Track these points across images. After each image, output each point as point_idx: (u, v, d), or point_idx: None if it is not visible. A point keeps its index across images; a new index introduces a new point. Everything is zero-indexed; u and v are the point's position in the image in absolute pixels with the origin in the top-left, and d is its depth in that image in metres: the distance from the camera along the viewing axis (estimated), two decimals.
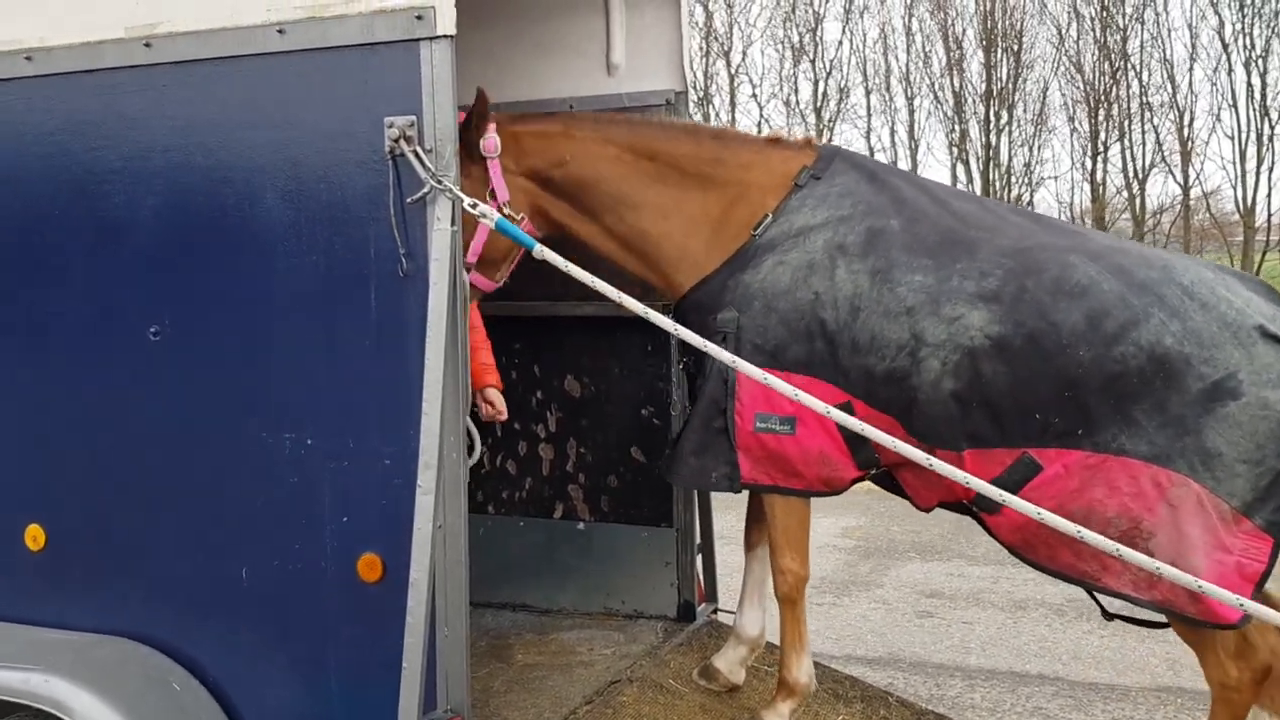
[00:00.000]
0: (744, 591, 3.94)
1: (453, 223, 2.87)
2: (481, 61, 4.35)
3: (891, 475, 3.45)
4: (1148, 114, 21.08)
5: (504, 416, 4.06)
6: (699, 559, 4.56)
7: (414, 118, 2.88)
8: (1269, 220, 20.75)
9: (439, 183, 2.85)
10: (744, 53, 20.94)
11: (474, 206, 2.89)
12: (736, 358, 2.85)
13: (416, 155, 2.85)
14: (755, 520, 3.90)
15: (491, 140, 3.48)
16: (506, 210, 3.46)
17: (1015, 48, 21.03)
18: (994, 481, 3.05)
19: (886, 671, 5.66)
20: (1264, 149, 19.67)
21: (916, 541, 8.33)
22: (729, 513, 9.27)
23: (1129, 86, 21.10)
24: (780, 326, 3.27)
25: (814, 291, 3.26)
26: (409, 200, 2.90)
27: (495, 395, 4.06)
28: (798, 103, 21.56)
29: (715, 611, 4.59)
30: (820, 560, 7.88)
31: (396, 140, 2.87)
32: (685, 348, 3.43)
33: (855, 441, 3.25)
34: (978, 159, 21.17)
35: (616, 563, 4.48)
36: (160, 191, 3.19)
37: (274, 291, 3.10)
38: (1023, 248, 3.21)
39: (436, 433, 2.82)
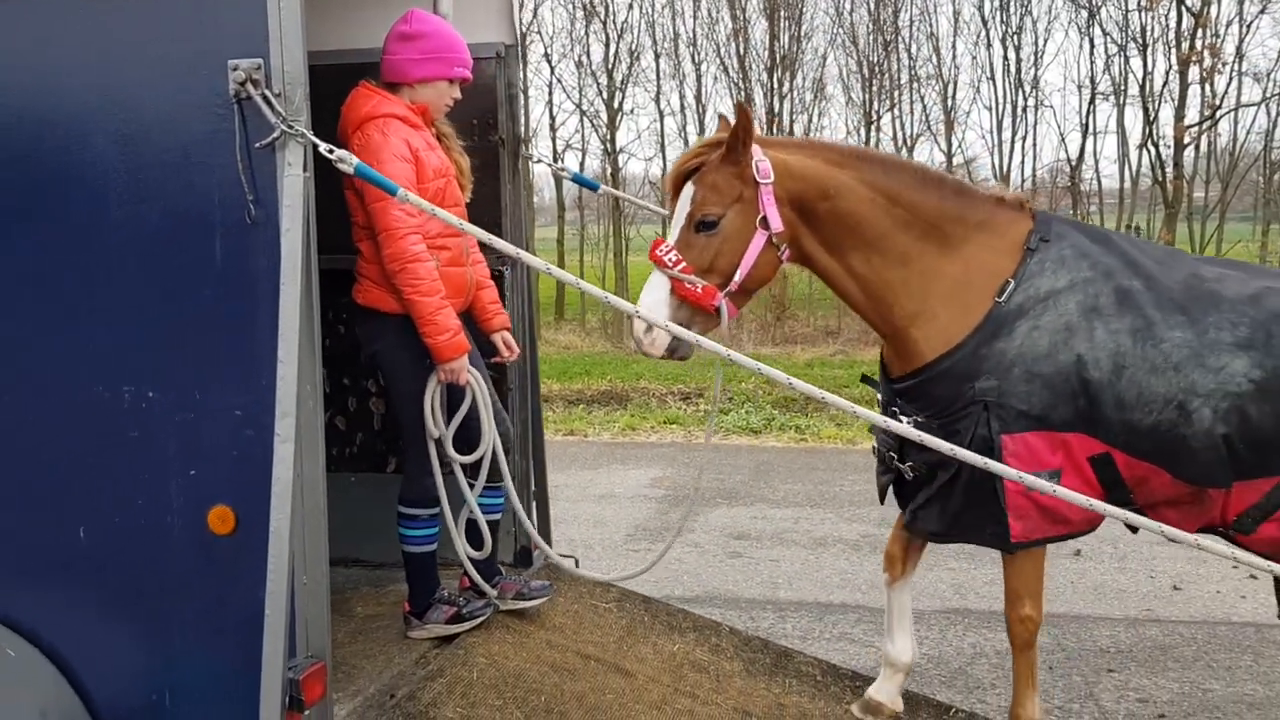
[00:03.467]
0: (891, 620, 3.99)
1: (305, 168, 2.84)
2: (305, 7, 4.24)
3: (1143, 512, 3.57)
4: (916, 85, 22.27)
5: (516, 355, 4.12)
6: (534, 507, 4.66)
7: (260, 61, 2.82)
8: (1022, 186, 22.37)
9: (290, 127, 2.81)
10: (535, 11, 20.77)
11: (330, 151, 2.87)
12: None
13: (265, 99, 2.80)
14: (902, 548, 3.96)
15: (766, 165, 3.40)
16: (774, 240, 3.43)
17: (796, 17, 21.75)
18: (1252, 507, 3.43)
19: (704, 608, 5.92)
20: (1018, 119, 21.15)
21: (722, 488, 8.70)
22: (573, 465, 9.38)
23: (899, 59, 22.21)
24: (1045, 390, 3.37)
25: (1075, 354, 3.38)
26: (257, 145, 2.84)
27: (509, 337, 4.06)
28: (590, 64, 21.60)
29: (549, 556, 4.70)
30: (633, 510, 8.14)
31: (242, 83, 2.81)
32: (920, 406, 3.48)
33: (1110, 485, 3.43)
34: (761, 125, 21.83)
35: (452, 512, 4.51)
36: None
37: (108, 239, 2.98)
38: (1252, 295, 3.47)
39: (294, 381, 2.80)
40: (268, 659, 2.78)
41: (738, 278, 3.40)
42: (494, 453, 3.81)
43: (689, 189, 3.43)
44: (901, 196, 3.52)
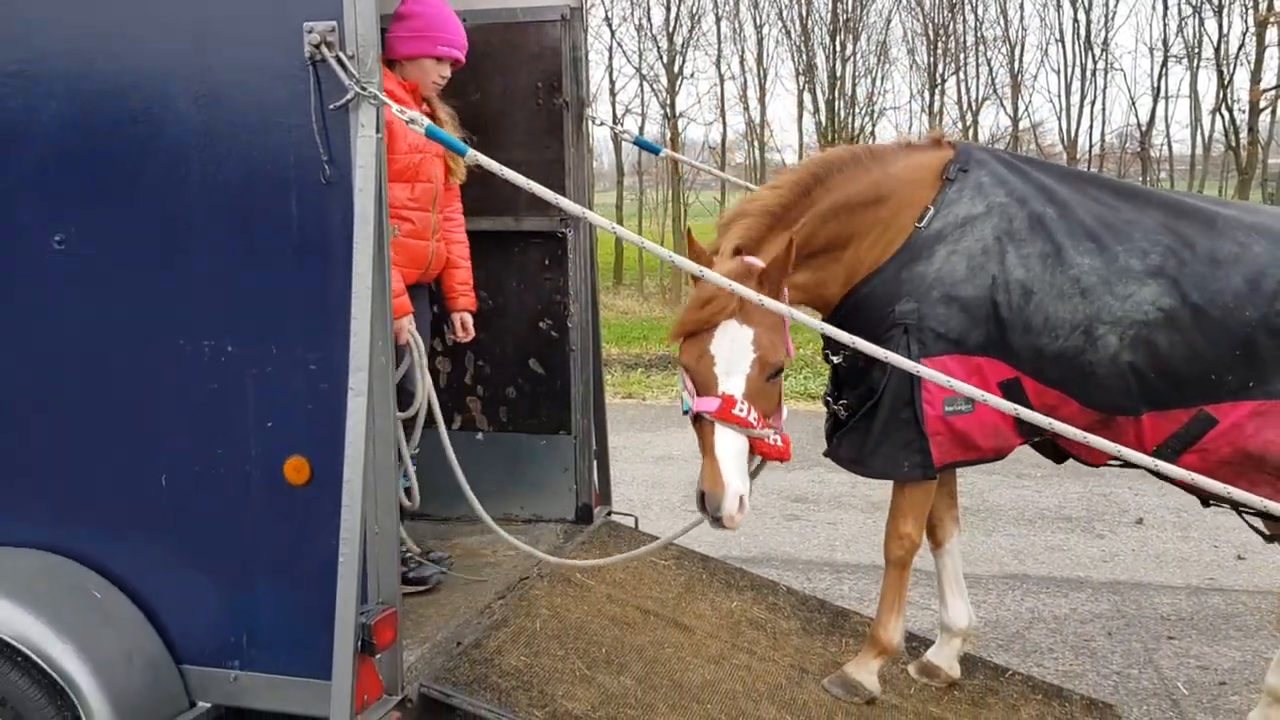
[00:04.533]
0: (943, 586, 4.05)
1: (377, 129, 2.91)
2: None
3: (1055, 442, 3.61)
4: (982, 48, 21.91)
5: (470, 337, 4.21)
6: (594, 465, 4.74)
7: (334, 23, 2.88)
8: (1090, 152, 21.95)
9: (363, 89, 2.88)
10: None
11: (401, 113, 2.93)
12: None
13: (339, 61, 2.87)
14: (940, 518, 3.99)
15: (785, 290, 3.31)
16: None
17: None
18: (1172, 437, 3.37)
19: (761, 569, 5.96)
20: (1087, 83, 20.73)
21: None
22: (631, 427, 9.45)
23: (965, 20, 21.85)
24: (962, 314, 3.39)
25: (990, 276, 3.40)
26: (331, 107, 2.91)
27: (468, 319, 4.16)
28: (650, 27, 21.52)
29: (610, 514, 4.79)
30: (690, 471, 8.20)
31: (317, 46, 2.87)
32: (838, 343, 3.29)
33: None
34: (822, 88, 21.64)
35: (515, 471, 4.61)
36: (62, 96, 3.12)
37: (188, 198, 3.08)
38: (1168, 224, 3.44)
39: (367, 336, 2.89)
40: (341, 604, 2.88)
41: (784, 414, 3.32)
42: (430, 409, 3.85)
43: (743, 331, 3.15)
44: (846, 196, 3.48)
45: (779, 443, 3.16)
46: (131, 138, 3.08)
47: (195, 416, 3.13)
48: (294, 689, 3.08)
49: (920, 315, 3.40)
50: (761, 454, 3.18)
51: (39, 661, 2.97)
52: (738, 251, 3.32)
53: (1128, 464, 3.56)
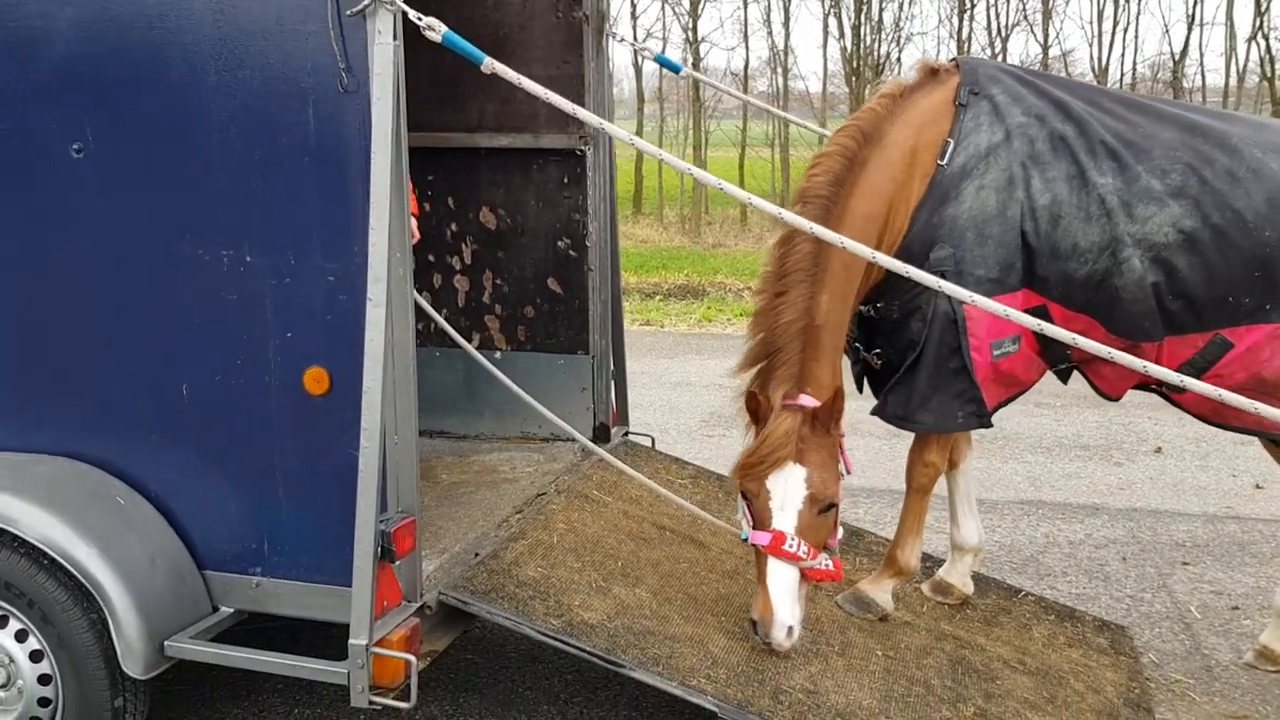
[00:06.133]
0: (954, 506, 4.07)
1: (395, 36, 2.87)
2: None
3: (1078, 368, 3.58)
4: None
5: (416, 239, 4.13)
6: (612, 385, 4.75)
7: None
8: (1121, 81, 21.52)
9: None
10: None
11: (419, 19, 2.89)
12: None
13: None
14: (955, 440, 3.94)
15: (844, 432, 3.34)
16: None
17: None
18: (1186, 364, 3.35)
19: None
20: (1120, 9, 20.26)
21: None
22: (649, 354, 9.46)
23: None
24: (999, 250, 3.33)
25: (1019, 205, 3.33)
26: (348, 13, 2.88)
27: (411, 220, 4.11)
28: None
29: (627, 434, 4.81)
30: (708, 397, 8.23)
31: None
32: (880, 290, 3.35)
33: (1047, 341, 3.37)
34: (848, 13, 21.23)
35: (533, 390, 4.59)
36: (78, 1, 3.09)
37: (205, 105, 3.05)
38: (1186, 140, 3.36)
39: (385, 247, 2.88)
40: (361, 512, 2.92)
41: (840, 534, 3.39)
42: None
43: (796, 471, 3.22)
44: (869, 208, 3.38)
45: (830, 567, 3.28)
46: (147, 43, 3.05)
47: (215, 326, 3.14)
48: (315, 595, 3.13)
49: (958, 260, 3.33)
50: (813, 580, 3.31)
51: (65, 564, 3.03)
52: (787, 395, 3.29)
53: (1149, 390, 3.58)
